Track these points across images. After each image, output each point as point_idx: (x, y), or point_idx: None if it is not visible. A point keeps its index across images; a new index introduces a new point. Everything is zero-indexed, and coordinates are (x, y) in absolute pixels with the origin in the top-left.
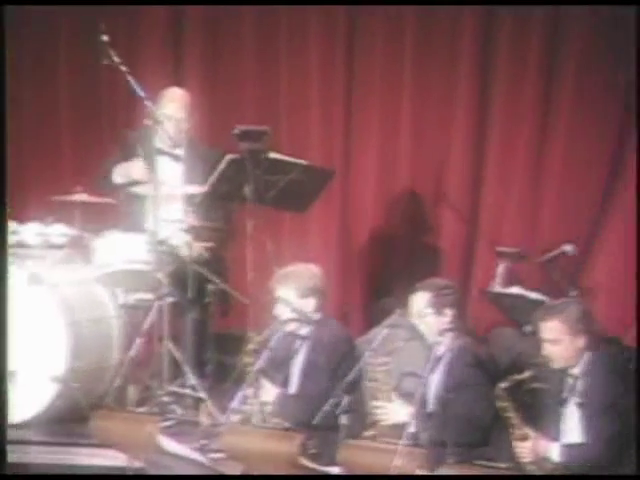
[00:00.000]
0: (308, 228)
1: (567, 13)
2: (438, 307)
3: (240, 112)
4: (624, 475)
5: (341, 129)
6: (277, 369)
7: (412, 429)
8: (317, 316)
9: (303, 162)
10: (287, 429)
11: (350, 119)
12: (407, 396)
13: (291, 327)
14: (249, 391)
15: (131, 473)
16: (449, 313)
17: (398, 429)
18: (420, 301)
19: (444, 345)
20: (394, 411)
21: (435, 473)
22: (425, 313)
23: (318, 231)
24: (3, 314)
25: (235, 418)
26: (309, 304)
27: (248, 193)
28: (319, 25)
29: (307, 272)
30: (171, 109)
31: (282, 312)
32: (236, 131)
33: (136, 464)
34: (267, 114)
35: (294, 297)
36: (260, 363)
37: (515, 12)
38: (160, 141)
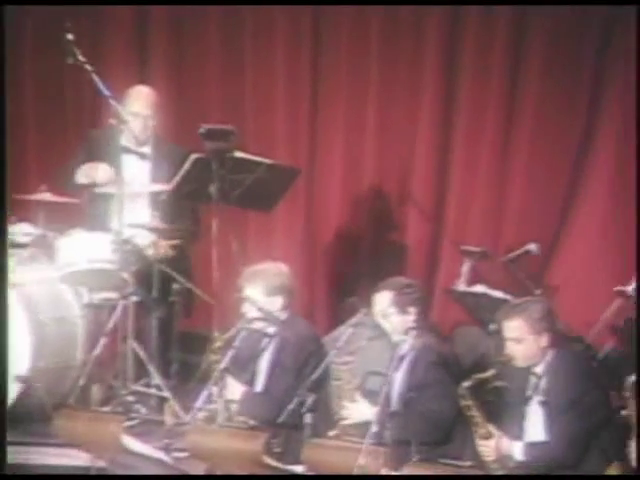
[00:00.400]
0: (273, 227)
1: (531, 12)
2: (402, 306)
3: (206, 111)
4: (624, 475)
5: (306, 128)
6: (243, 368)
7: (376, 428)
8: (284, 315)
9: (268, 161)
10: (252, 428)
11: (315, 118)
12: (371, 395)
13: (258, 325)
14: (214, 390)
15: (96, 473)
16: (413, 312)
17: (362, 428)
18: (384, 300)
19: (408, 344)
20: (358, 410)
21: (399, 472)
22: (389, 312)
23: (283, 230)
24: (3, 315)
25: (200, 417)
26: (276, 302)
27: (213, 192)
28: (284, 24)
29: (275, 270)
30: (137, 107)
31: (249, 310)
32: (202, 130)
33: (100, 464)
34: (233, 113)
35: (261, 295)
36: (226, 362)
37: (480, 11)
38: (126, 140)
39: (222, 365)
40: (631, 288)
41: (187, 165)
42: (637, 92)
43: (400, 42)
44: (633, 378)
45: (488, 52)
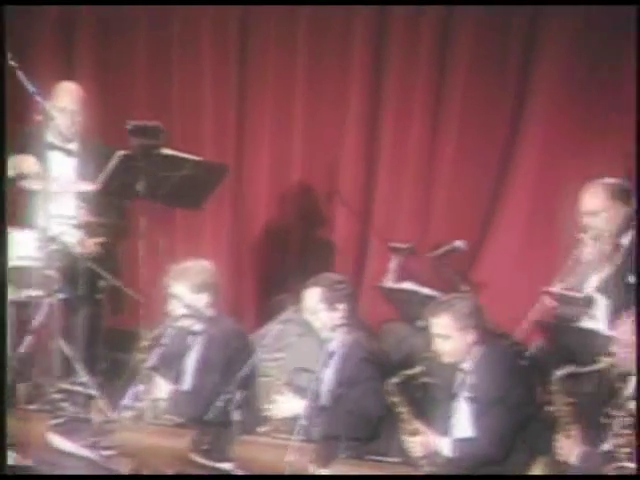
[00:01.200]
0: (201, 224)
1: (458, 10)
2: (330, 302)
3: (133, 108)
4: (624, 475)
5: (234, 125)
6: (170, 365)
7: (304, 423)
8: (210, 312)
9: (196, 158)
10: (179, 425)
11: (243, 115)
12: (300, 391)
13: (184, 323)
14: (141, 388)
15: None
16: (341, 308)
17: (291, 424)
18: (313, 296)
19: (337, 340)
20: (286, 405)
21: (327, 468)
22: (318, 308)
23: (211, 227)
24: (3, 316)
25: (127, 415)
26: (202, 300)
27: (141, 189)
28: (212, 22)
29: (199, 268)
30: (63, 102)
31: (175, 308)
32: (129, 127)
33: (26, 462)
34: (160, 110)
35: (187, 293)
36: (153, 360)
37: (407, 11)
38: (52, 136)
39: (149, 363)
40: (557, 288)
41: (114, 162)
42: (637, 92)
43: (327, 41)
44: (559, 374)
45: (415, 52)
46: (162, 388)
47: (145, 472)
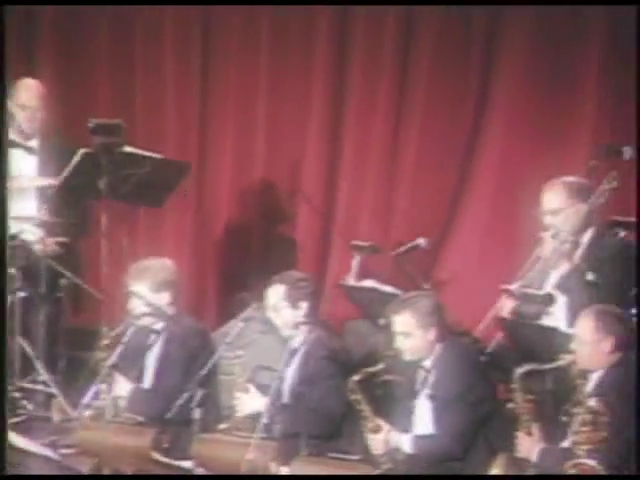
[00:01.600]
0: (163, 222)
1: (419, 11)
2: (293, 300)
3: (95, 106)
4: (624, 475)
5: (196, 123)
6: (131, 364)
7: (265, 421)
8: (171, 311)
9: (158, 156)
10: (140, 424)
11: (206, 113)
12: (261, 389)
13: (145, 321)
14: (102, 386)
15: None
16: (304, 306)
17: (252, 421)
18: (276, 294)
19: (299, 338)
20: (248, 402)
21: (289, 466)
22: (281, 306)
23: (173, 225)
24: (3, 316)
25: (87, 414)
26: (163, 298)
27: (102, 187)
28: (175, 21)
29: (159, 266)
30: (24, 99)
31: (136, 306)
32: (90, 124)
33: None
34: (122, 108)
35: (148, 291)
36: (114, 358)
37: (369, 10)
38: (13, 133)
39: (110, 361)
40: (515, 286)
41: (75, 159)
42: (637, 92)
43: (290, 40)
44: (519, 371)
45: (377, 52)
46: (123, 386)
47: (106, 471)
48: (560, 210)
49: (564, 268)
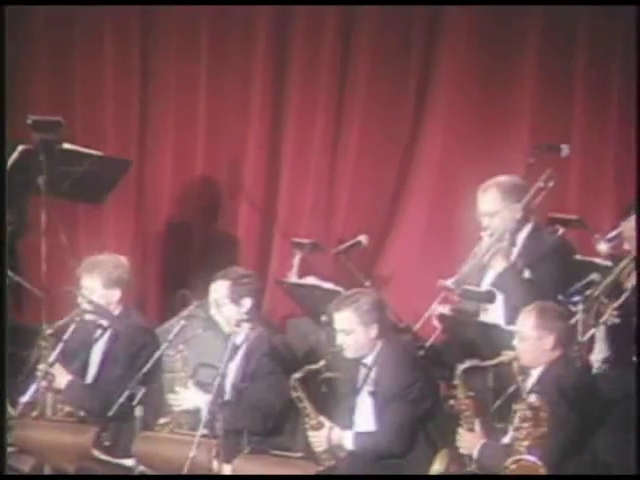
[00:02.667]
0: (104, 219)
1: (359, 11)
2: (236, 296)
3: (34, 104)
4: (624, 475)
5: (137, 120)
6: (74, 359)
7: (207, 418)
8: (119, 307)
9: (98, 153)
10: (81, 421)
11: (146, 111)
12: (203, 386)
13: (91, 317)
14: (43, 383)
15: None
16: (246, 303)
17: (192, 418)
18: (219, 289)
19: (241, 335)
20: (189, 398)
21: (231, 463)
22: (223, 302)
23: (114, 222)
24: (2, 316)
25: (27, 411)
26: (114, 295)
27: (42, 184)
28: (114, 19)
29: (114, 262)
30: None
31: (83, 302)
32: (29, 121)
33: None
34: (62, 106)
35: (99, 287)
36: (55, 355)
37: (309, 10)
38: None
39: (51, 359)
40: (451, 281)
41: (14, 156)
42: (638, 92)
43: (230, 38)
44: (460, 368)
45: (317, 50)
46: (65, 381)
47: (47, 469)
48: (495, 212)
49: (501, 266)
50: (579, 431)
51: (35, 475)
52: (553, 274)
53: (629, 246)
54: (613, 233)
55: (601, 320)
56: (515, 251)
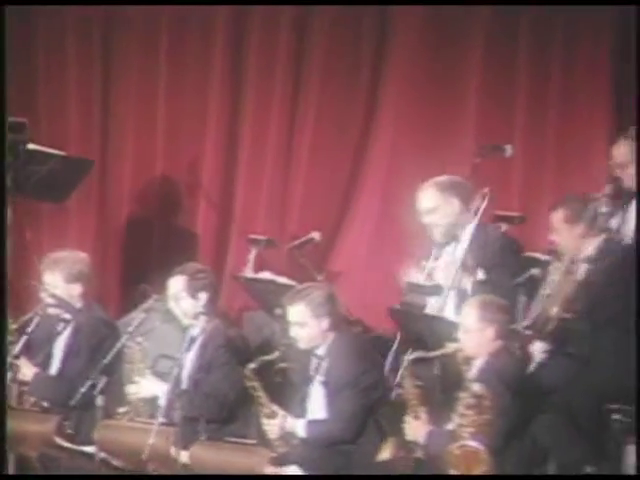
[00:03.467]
0: (68, 217)
1: (313, 10)
2: (193, 290)
3: None
4: (624, 475)
5: (98, 122)
6: (38, 351)
7: (165, 406)
8: (81, 301)
9: (62, 153)
10: (44, 410)
11: (108, 112)
12: (161, 376)
13: (54, 311)
14: (8, 375)
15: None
16: (203, 297)
17: (151, 406)
18: (177, 284)
19: (198, 327)
20: (147, 387)
21: (188, 450)
22: (181, 296)
23: (77, 219)
24: (3, 317)
25: None
26: (75, 289)
27: (7, 183)
28: (76, 20)
29: (75, 258)
30: None
31: (46, 296)
32: None
33: None
34: (26, 107)
35: (61, 282)
36: (20, 347)
37: (265, 11)
38: None
39: (15, 351)
40: (407, 277)
41: None
42: (638, 92)
43: (188, 39)
44: (408, 358)
45: (272, 51)
46: (28, 372)
47: (11, 456)
48: (435, 207)
49: (447, 261)
50: (520, 417)
51: (35, 475)
52: (499, 269)
53: (557, 237)
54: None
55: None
56: (460, 247)
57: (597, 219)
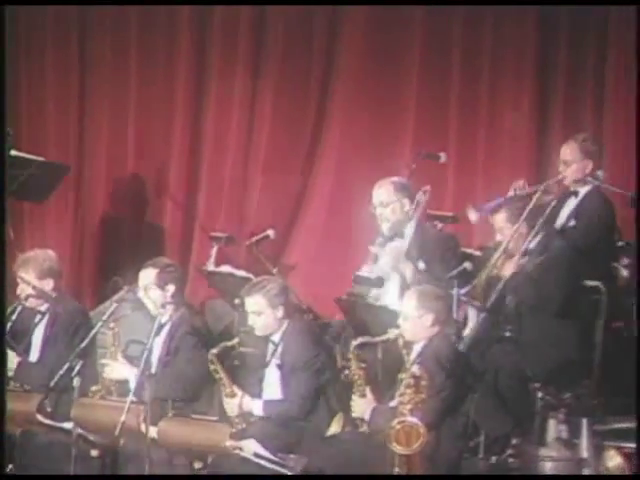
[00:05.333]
0: (46, 216)
1: (270, 10)
2: (162, 282)
3: None
4: (624, 475)
5: (75, 130)
6: (19, 341)
7: (135, 386)
8: (54, 294)
9: (40, 159)
10: (26, 390)
11: (83, 121)
12: (132, 360)
13: (32, 303)
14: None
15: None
16: (171, 288)
17: (121, 385)
18: (148, 276)
19: (166, 315)
20: (118, 369)
21: (156, 426)
22: (150, 287)
23: (55, 218)
24: (2, 316)
25: None
26: (48, 284)
27: None
28: (54, 22)
29: (44, 256)
30: None
31: (23, 291)
32: None
33: None
34: (9, 116)
35: (34, 279)
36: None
37: (226, 10)
38: None
39: None
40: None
41: None
42: (637, 93)
43: (155, 44)
44: (354, 343)
45: (233, 54)
46: (12, 360)
47: None
48: (388, 203)
49: (393, 254)
50: (454, 397)
51: (35, 475)
52: (437, 262)
53: (500, 237)
54: (491, 204)
55: (476, 304)
56: (405, 242)
57: (537, 216)
